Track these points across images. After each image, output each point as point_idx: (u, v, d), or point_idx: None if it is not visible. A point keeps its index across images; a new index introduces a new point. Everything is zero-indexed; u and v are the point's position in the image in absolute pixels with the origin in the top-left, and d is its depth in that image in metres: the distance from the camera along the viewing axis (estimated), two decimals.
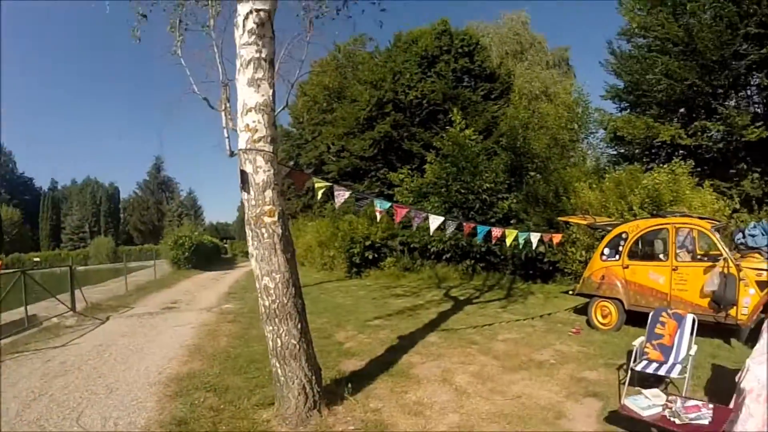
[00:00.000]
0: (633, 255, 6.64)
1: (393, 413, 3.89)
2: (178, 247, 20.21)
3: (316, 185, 4.41)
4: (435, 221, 5.25)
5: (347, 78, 22.46)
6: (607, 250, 6.96)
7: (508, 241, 6.14)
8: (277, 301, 3.62)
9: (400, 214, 5.04)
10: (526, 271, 12.48)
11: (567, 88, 19.38)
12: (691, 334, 4.23)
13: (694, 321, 4.31)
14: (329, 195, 4.53)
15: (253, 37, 3.63)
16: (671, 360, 4.20)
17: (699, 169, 11.74)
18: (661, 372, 4.03)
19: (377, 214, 4.98)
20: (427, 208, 12.80)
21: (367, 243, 15.42)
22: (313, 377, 3.79)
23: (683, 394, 3.72)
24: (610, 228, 7.29)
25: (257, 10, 3.62)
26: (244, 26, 3.65)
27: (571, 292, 9.12)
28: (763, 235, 5.73)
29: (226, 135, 4.78)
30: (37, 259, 39.05)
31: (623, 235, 6.76)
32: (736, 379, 3.39)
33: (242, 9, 3.67)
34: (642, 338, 4.41)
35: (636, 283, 6.45)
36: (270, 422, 3.66)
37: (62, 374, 5.29)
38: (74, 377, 5.18)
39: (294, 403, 3.65)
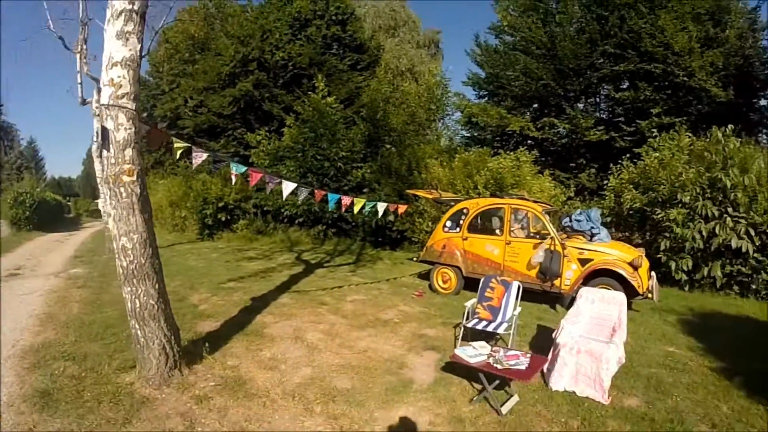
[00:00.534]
0: (472, 229, 7.27)
1: (250, 369, 4.06)
2: (19, 205, 17.59)
3: (175, 145, 4.24)
4: (288, 186, 5.20)
5: (214, 29, 20.25)
6: (449, 223, 7.50)
7: (356, 208, 6.24)
8: (135, 261, 3.57)
9: (255, 178, 4.93)
10: (376, 238, 12.96)
11: (432, 70, 20.20)
12: (517, 297, 4.76)
13: (519, 287, 4.86)
14: (186, 154, 4.34)
15: None
16: (499, 319, 4.70)
17: (543, 159, 13.28)
18: (490, 329, 4.49)
19: (232, 176, 4.85)
20: (283, 172, 12.49)
21: (221, 204, 14.92)
22: (173, 337, 3.83)
23: (508, 347, 4.19)
24: (453, 203, 7.82)
25: None
26: None
27: (415, 259, 9.75)
28: (587, 221, 6.75)
29: (79, 80, 3.91)
30: None
31: (464, 211, 7.34)
32: (553, 336, 3.93)
33: None
34: (474, 300, 4.87)
35: (473, 254, 7.11)
36: (134, 384, 3.67)
37: None
38: None
39: (155, 363, 3.69)
